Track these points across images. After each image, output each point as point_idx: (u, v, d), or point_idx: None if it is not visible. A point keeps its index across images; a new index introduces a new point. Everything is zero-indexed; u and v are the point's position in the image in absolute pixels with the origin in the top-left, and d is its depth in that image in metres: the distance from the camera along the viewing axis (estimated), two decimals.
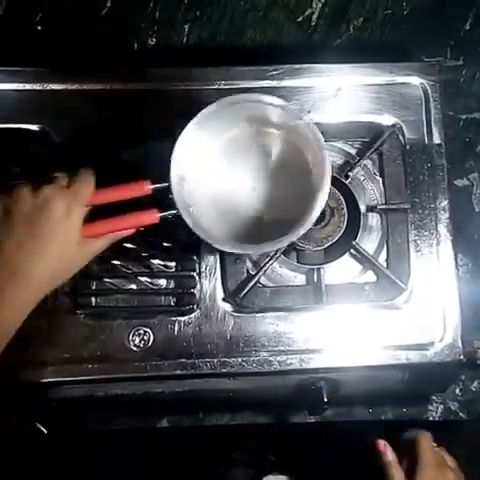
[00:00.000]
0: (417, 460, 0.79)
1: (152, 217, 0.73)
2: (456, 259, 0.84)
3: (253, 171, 0.79)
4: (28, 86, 0.83)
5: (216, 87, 0.85)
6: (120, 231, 0.73)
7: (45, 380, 0.79)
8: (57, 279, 0.71)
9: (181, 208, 0.72)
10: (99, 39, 0.98)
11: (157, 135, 0.81)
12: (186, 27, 1.00)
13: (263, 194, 0.79)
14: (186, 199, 0.73)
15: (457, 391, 0.94)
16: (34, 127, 0.82)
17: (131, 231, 0.74)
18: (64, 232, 0.70)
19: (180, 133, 0.74)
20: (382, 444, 0.80)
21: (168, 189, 0.72)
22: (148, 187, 0.73)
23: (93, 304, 0.81)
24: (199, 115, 0.74)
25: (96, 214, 0.72)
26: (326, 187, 0.72)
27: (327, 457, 0.92)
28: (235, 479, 0.94)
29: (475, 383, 0.95)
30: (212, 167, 0.78)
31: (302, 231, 0.72)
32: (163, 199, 0.73)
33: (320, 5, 1.02)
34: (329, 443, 0.93)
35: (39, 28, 0.98)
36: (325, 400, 0.82)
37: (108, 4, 0.99)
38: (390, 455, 0.79)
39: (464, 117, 1.01)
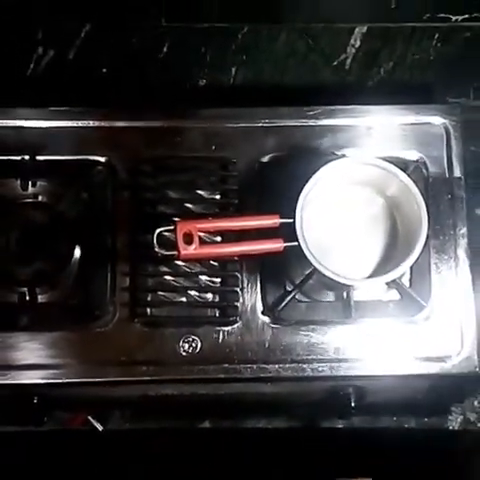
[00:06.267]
0: None
1: (277, 246, 0.83)
2: (473, 281, 0.92)
3: (356, 222, 0.91)
4: (97, 123, 0.94)
5: (260, 125, 0.95)
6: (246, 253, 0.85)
7: (103, 379, 0.88)
8: None
9: (302, 243, 0.82)
10: (156, 80, 1.10)
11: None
12: (233, 69, 1.12)
13: (362, 241, 0.91)
14: (305, 235, 0.83)
15: (475, 403, 1.02)
16: (101, 159, 0.94)
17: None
18: None
19: (309, 178, 0.84)
20: None
21: (293, 225, 0.83)
22: (277, 220, 0.83)
23: (149, 314, 0.90)
24: (331, 164, 0.85)
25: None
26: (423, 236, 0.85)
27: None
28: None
29: None
30: (325, 212, 0.90)
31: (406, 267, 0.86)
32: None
33: (354, 50, 1.12)
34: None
35: (104, 71, 1.10)
36: (353, 405, 0.91)
37: (165, 49, 1.11)
38: None
39: None
